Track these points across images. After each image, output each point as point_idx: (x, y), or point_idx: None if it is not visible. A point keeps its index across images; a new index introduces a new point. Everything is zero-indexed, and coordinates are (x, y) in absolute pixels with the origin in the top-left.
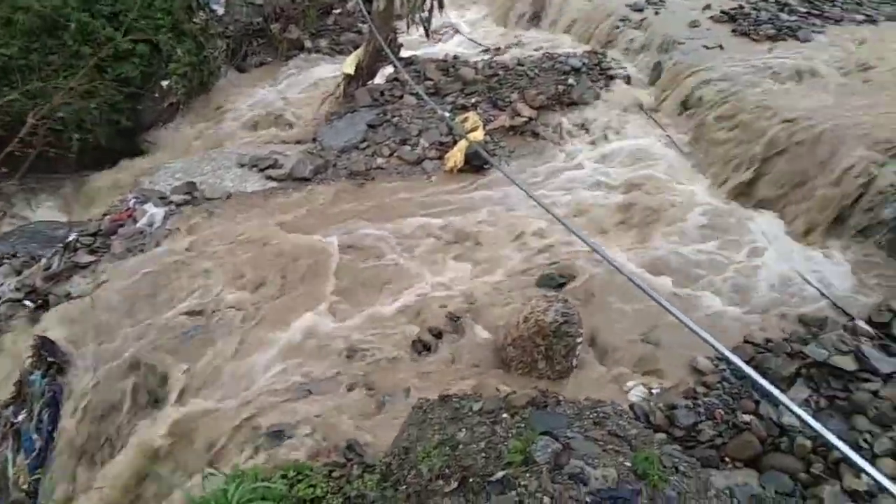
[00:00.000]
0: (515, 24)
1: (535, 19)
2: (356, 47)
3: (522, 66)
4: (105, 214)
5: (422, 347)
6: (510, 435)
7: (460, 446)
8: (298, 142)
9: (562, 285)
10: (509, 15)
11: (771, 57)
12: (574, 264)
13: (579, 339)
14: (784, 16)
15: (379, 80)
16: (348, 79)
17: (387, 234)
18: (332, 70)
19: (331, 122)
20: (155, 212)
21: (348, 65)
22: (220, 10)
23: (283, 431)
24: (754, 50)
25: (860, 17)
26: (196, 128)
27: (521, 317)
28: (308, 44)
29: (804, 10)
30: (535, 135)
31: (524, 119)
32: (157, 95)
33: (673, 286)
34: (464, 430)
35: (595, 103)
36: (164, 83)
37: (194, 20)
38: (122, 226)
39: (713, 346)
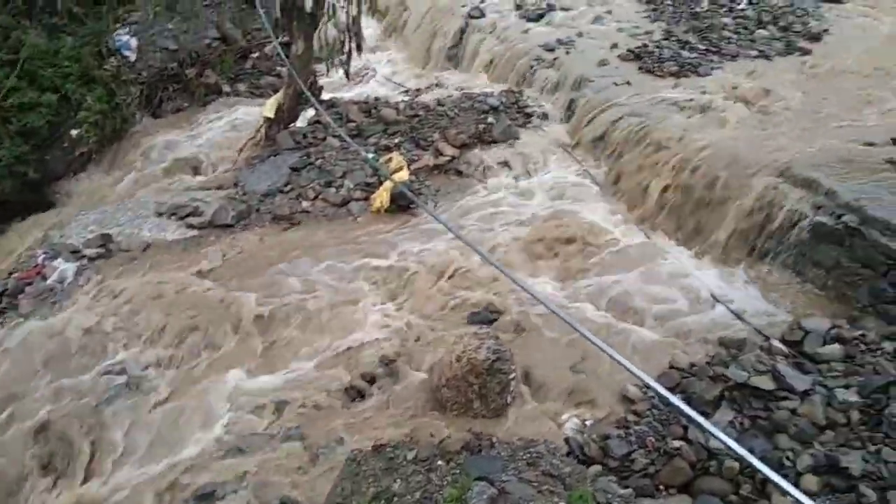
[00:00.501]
0: (434, 65)
1: (453, 60)
2: (276, 91)
3: (443, 106)
4: (11, 273)
5: (355, 394)
6: (446, 483)
7: (395, 499)
8: (219, 187)
9: (492, 321)
10: (427, 56)
11: (675, 92)
12: (502, 299)
13: (512, 376)
14: (685, 53)
15: (301, 122)
16: (269, 122)
17: (314, 279)
18: (251, 114)
19: (253, 167)
20: (66, 267)
21: (269, 108)
22: (132, 56)
23: (213, 493)
24: (660, 85)
25: (754, 53)
26: (110, 177)
27: (454, 356)
28: (226, 88)
29: (703, 47)
30: (459, 173)
31: (447, 158)
32: (66, 145)
33: (598, 316)
34: (399, 480)
35: (515, 141)
36: (74, 132)
37: (105, 67)
38: (29, 284)
39: (637, 376)
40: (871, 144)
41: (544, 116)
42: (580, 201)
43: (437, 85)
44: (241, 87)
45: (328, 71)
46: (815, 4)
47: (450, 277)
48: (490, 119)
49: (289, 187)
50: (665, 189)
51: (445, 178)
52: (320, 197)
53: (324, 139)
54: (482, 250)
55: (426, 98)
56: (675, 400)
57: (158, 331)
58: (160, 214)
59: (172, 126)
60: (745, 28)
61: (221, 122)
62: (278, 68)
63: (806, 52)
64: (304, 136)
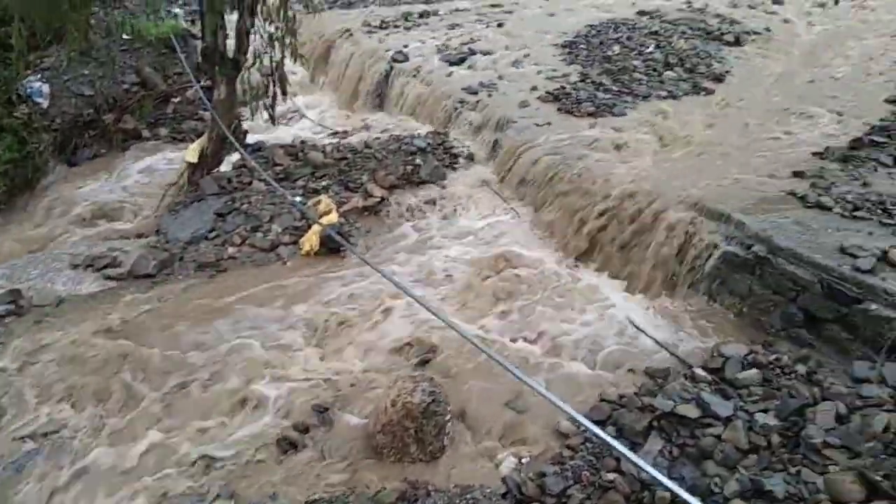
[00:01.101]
0: (361, 108)
1: (379, 103)
2: (199, 135)
3: (370, 148)
4: None
5: (287, 446)
6: None
7: None
8: (140, 235)
9: (426, 362)
10: (354, 99)
11: (593, 131)
12: (435, 340)
13: (448, 417)
14: (600, 94)
15: (225, 167)
16: (192, 167)
17: (241, 326)
18: (173, 159)
19: (175, 213)
20: None
21: (191, 153)
22: (45, 103)
23: None
24: (578, 125)
25: (664, 93)
26: (21, 228)
27: (389, 401)
28: (146, 133)
29: (616, 88)
30: (389, 213)
31: (376, 199)
32: None
33: (530, 352)
34: None
35: (442, 181)
36: None
37: (15, 115)
38: None
39: (565, 412)
40: (772, 176)
41: (470, 157)
42: (508, 238)
43: (364, 127)
44: (163, 131)
45: (253, 115)
46: (717, 48)
47: (381, 319)
48: (418, 160)
49: (214, 234)
50: (589, 224)
51: (375, 219)
52: (247, 242)
53: (249, 183)
54: (412, 291)
55: (354, 140)
56: (601, 433)
57: (73, 391)
58: (75, 266)
59: (89, 174)
60: (655, 70)
61: (142, 168)
62: (201, 112)
63: (710, 92)
64: (229, 180)
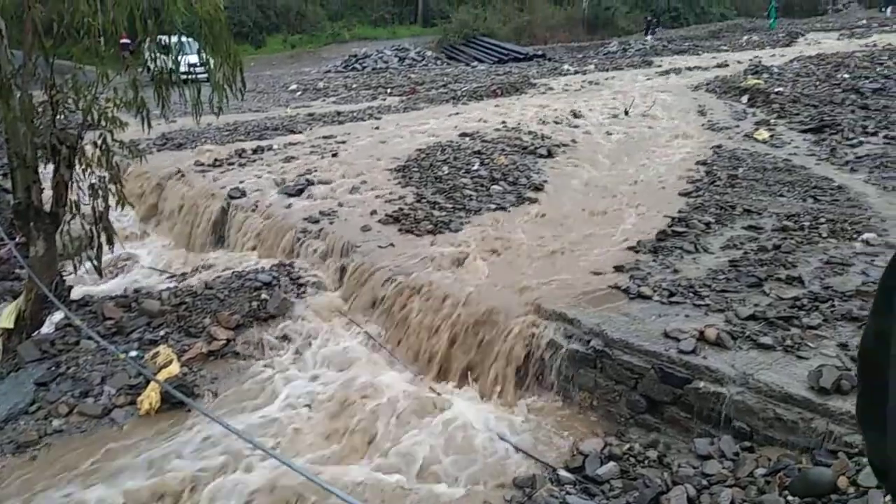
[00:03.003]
0: (200, 248)
1: (219, 240)
2: (16, 296)
3: (212, 288)
4: None
5: None
6: None
7: None
8: None
9: None
10: (192, 240)
11: (434, 248)
12: (294, 493)
13: None
14: (436, 212)
15: (47, 328)
16: (8, 334)
17: None
18: None
19: None
20: None
21: (6, 318)
22: None
23: None
24: (419, 244)
25: (493, 206)
26: None
27: None
28: None
29: (450, 206)
30: (237, 354)
31: (222, 342)
32: None
33: (399, 483)
34: None
35: (292, 313)
36: None
37: None
38: None
39: None
40: (597, 273)
41: (318, 285)
42: (363, 366)
43: (204, 267)
44: None
45: (76, 269)
46: (534, 160)
47: (233, 475)
48: (264, 295)
49: (35, 407)
50: (439, 340)
51: (223, 363)
52: (76, 411)
53: (76, 343)
54: (262, 444)
55: (193, 282)
56: None
57: None
58: None
59: None
60: (482, 185)
61: None
62: (17, 271)
63: (533, 201)
64: (52, 343)
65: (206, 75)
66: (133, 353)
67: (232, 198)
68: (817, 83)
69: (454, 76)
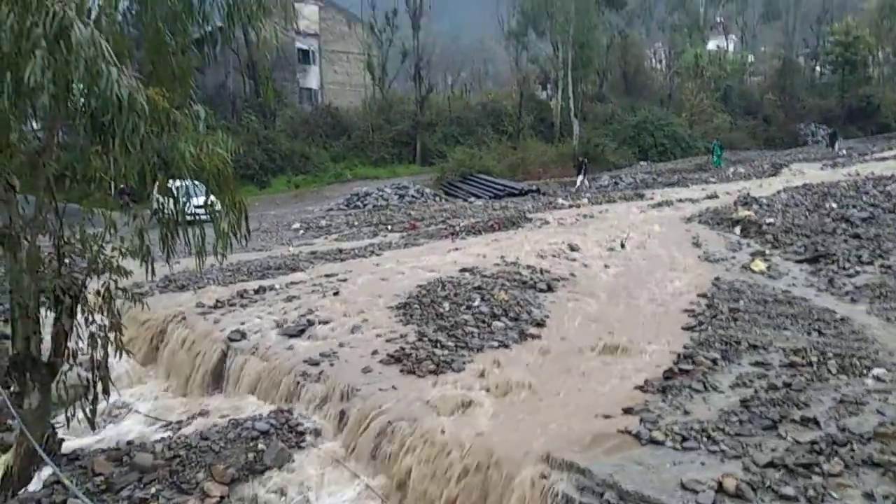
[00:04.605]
0: (198, 393)
1: (217, 385)
2: (5, 449)
3: (207, 439)
4: None
5: None
6: None
7: None
8: None
9: None
10: (190, 385)
11: (436, 390)
12: None
13: None
14: (438, 351)
15: (35, 485)
16: None
17: None
18: None
19: None
20: None
21: None
22: None
23: None
24: (421, 386)
25: (496, 344)
26: None
27: None
28: None
29: (452, 344)
30: None
31: (215, 499)
32: None
33: None
34: None
35: (290, 465)
36: None
37: None
38: None
39: None
40: (606, 416)
41: (317, 433)
42: None
43: (201, 414)
44: None
45: (69, 422)
46: (534, 295)
47: None
48: (261, 445)
49: None
50: (444, 493)
51: None
52: None
53: (64, 502)
54: None
55: (189, 431)
56: None
57: None
58: None
59: None
60: (484, 322)
61: None
62: (9, 421)
63: (536, 337)
64: (38, 502)
65: (208, 217)
66: None
67: (232, 340)
68: (807, 213)
69: (452, 212)
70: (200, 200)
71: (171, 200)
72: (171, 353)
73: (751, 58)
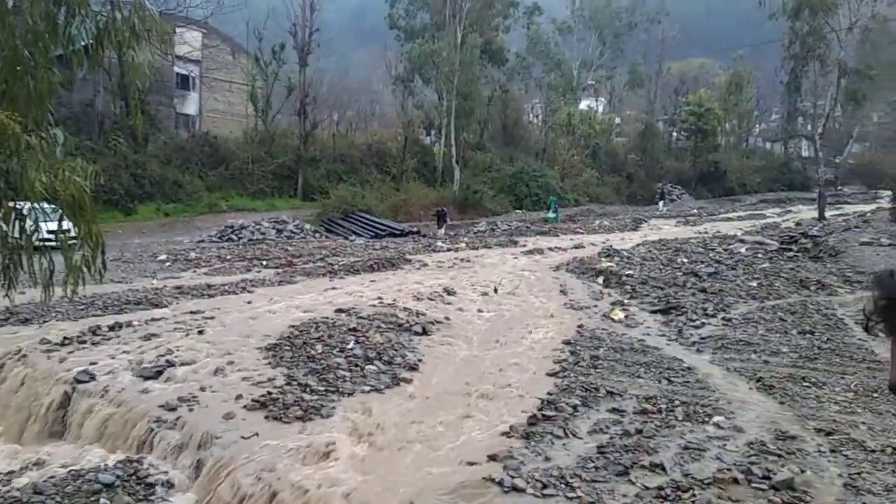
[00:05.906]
0: (35, 440)
1: (58, 431)
2: None
3: (41, 493)
4: None
5: None
6: None
7: None
8: None
9: None
10: (25, 430)
11: (302, 438)
12: None
13: None
14: (307, 396)
15: None
16: None
17: None
18: None
19: None
20: None
21: None
22: None
23: None
24: (287, 433)
25: (367, 388)
26: None
27: None
28: None
29: (322, 388)
30: None
31: None
32: None
33: None
34: None
35: None
36: None
37: None
38: None
39: None
40: (472, 463)
41: (169, 485)
42: None
43: (37, 464)
44: None
45: None
46: (409, 338)
47: None
48: (103, 499)
49: None
50: None
51: None
52: None
53: None
54: None
55: (22, 483)
56: None
57: None
58: None
59: None
60: (357, 365)
61: None
62: None
63: (408, 381)
64: None
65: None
66: None
67: (79, 382)
68: (661, 266)
69: (332, 249)
70: (52, 226)
71: (18, 225)
72: (6, 394)
73: (617, 119)
